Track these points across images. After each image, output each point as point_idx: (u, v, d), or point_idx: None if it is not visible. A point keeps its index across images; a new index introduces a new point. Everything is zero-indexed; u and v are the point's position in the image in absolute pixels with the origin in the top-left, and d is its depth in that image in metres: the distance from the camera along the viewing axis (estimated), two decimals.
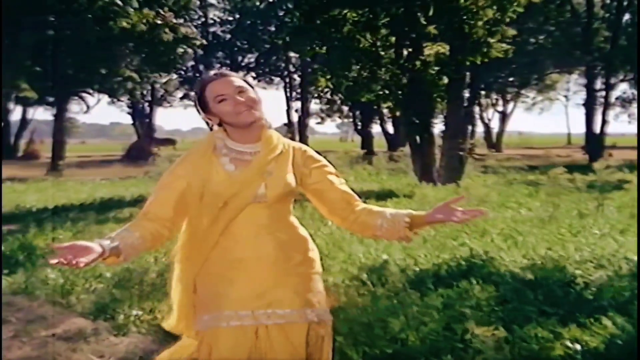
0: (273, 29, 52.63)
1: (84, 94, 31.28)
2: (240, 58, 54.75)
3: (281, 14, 50.46)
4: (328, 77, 20.35)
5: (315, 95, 52.77)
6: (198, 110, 3.33)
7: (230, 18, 52.90)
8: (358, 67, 19.75)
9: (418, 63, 18.90)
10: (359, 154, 30.60)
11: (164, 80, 34.71)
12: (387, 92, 19.82)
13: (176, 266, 3.39)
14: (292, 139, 3.76)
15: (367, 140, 53.40)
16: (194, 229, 3.24)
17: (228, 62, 52.97)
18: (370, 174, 22.97)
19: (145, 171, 25.09)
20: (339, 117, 65.54)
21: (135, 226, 3.14)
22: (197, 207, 3.19)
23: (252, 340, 3.12)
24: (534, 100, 69.97)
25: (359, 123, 58.15)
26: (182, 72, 49.55)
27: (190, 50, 18.16)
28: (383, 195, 15.87)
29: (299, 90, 57.52)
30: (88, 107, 32.10)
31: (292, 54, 55.51)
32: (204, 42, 27.63)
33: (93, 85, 26.74)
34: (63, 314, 6.69)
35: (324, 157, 3.44)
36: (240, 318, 3.11)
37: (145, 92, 38.46)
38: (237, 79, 3.24)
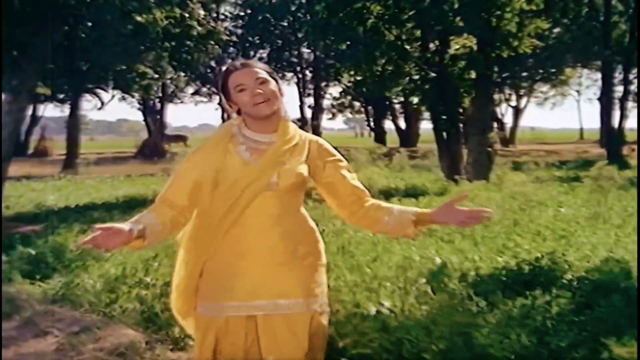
0: (285, 24, 52.23)
1: (98, 90, 30.84)
2: (252, 53, 54.25)
3: (293, 8, 50.11)
4: (352, 72, 19.87)
5: (332, 91, 52.55)
6: (220, 98, 3.62)
7: (242, 13, 52.41)
8: (383, 61, 19.27)
9: (445, 57, 18.42)
10: (378, 149, 29.99)
11: (182, 76, 34.19)
12: (413, 87, 19.34)
13: (182, 251, 3.45)
14: None
15: (380, 136, 52.89)
16: (207, 216, 3.29)
17: (240, 57, 52.49)
18: (393, 170, 22.43)
19: (162, 168, 24.63)
20: (350, 113, 65.25)
21: (155, 212, 3.23)
22: (211, 195, 3.25)
23: (254, 330, 3.23)
24: (546, 95, 69.41)
25: (371, 119, 57.77)
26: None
27: (217, 47, 17.72)
28: (413, 194, 15.37)
29: (310, 86, 56.94)
30: (102, 103, 31.73)
31: (305, 50, 55.12)
32: (234, 38, 27.07)
33: (108, 81, 26.20)
34: (109, 325, 6.22)
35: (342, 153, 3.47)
36: (244, 309, 3.21)
37: (156, 88, 37.95)
38: (260, 70, 3.29)
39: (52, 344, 5.88)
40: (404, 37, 19.07)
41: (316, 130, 48.55)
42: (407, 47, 19.06)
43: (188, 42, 15.25)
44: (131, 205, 14.83)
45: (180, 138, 53.22)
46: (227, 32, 18.07)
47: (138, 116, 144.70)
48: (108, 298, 6.90)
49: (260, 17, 51.76)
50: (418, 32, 19.15)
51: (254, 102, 3.22)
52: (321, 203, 11.75)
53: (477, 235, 9.85)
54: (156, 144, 43.83)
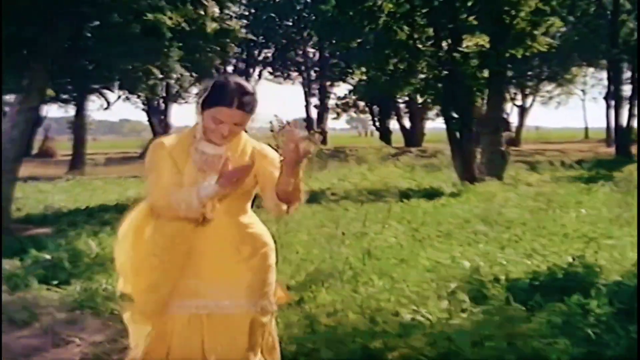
0: (290, 23, 51.96)
1: (104, 90, 30.62)
2: (256, 52, 54.00)
3: (298, 8, 49.86)
4: (362, 71, 19.63)
5: (335, 90, 52.28)
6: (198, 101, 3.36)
7: (247, 12, 52.12)
8: (395, 60, 19.02)
9: (458, 55, 18.17)
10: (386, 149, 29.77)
11: (187, 75, 33.83)
12: (425, 86, 19.10)
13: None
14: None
15: (385, 136, 52.63)
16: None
17: (245, 56, 52.33)
18: (404, 170, 22.23)
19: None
20: (355, 112, 64.99)
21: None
22: None
23: (201, 328, 3.32)
24: (551, 94, 69.07)
25: (376, 118, 57.52)
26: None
27: (233, 46, 17.38)
28: (430, 194, 15.14)
29: (314, 86, 56.70)
30: (109, 103, 31.54)
31: (310, 49, 54.86)
32: (252, 36, 26.78)
33: (114, 81, 25.94)
34: None
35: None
36: (187, 308, 3.33)
37: (161, 88, 37.70)
38: (243, 114, 3.30)
39: (75, 353, 5.65)
40: (415, 35, 18.81)
41: (322, 131, 48.27)
42: (419, 45, 18.78)
43: (201, 41, 15.00)
44: None
45: None
46: (243, 31, 17.66)
47: (140, 116, 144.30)
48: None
49: (264, 17, 51.48)
50: (430, 31, 18.87)
51: (216, 135, 3.31)
52: (337, 203, 11.60)
53: (502, 238, 9.64)
54: None
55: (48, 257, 9.10)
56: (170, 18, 12.42)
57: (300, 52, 55.31)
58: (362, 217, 11.16)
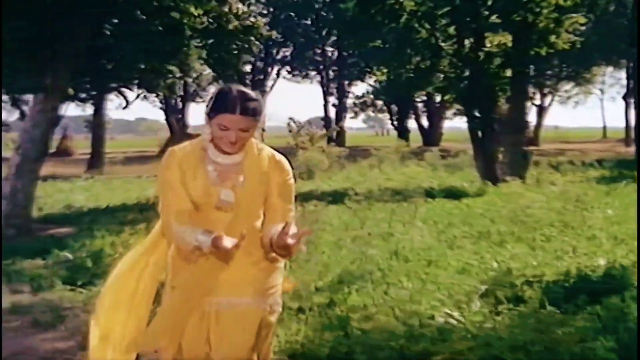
0: (309, 22, 51.81)
1: (123, 89, 30.58)
2: (275, 51, 53.88)
3: (317, 6, 49.67)
4: (384, 70, 19.45)
5: (353, 89, 52.01)
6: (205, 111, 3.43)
7: (265, 11, 51.99)
8: (418, 59, 18.85)
9: (481, 54, 17.98)
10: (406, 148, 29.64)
11: (205, 74, 33.80)
12: (447, 85, 18.92)
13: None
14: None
15: (403, 135, 52.39)
16: None
17: (263, 55, 52.14)
18: (426, 170, 22.05)
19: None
20: (373, 112, 64.79)
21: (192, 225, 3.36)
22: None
23: (212, 323, 3.41)
24: (569, 93, 68.56)
25: (394, 117, 57.32)
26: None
27: (257, 43, 17.20)
28: (453, 194, 14.94)
29: (332, 85, 56.50)
30: (127, 102, 31.48)
31: (328, 48, 54.67)
32: (275, 33, 26.58)
33: (133, 80, 25.82)
34: None
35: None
36: (202, 305, 3.42)
37: (180, 87, 37.65)
38: (247, 119, 3.32)
39: None
40: (437, 34, 18.62)
41: (341, 129, 48.06)
42: (441, 44, 18.60)
43: (225, 39, 14.82)
44: None
45: None
46: (268, 28, 17.48)
47: (156, 115, 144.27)
48: None
49: (283, 15, 51.33)
50: (452, 29, 18.68)
51: (224, 142, 3.34)
52: (361, 203, 11.45)
53: (530, 239, 9.48)
54: (179, 144, 43.50)
55: (71, 257, 9.00)
56: (196, 16, 12.29)
57: (319, 51, 55.08)
58: (386, 217, 11.03)
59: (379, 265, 7.55)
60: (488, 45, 18.36)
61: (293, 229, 3.25)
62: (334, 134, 35.85)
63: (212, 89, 48.14)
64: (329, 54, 55.96)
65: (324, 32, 51.20)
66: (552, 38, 17.67)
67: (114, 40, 12.92)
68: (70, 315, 6.52)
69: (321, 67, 55.83)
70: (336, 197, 14.34)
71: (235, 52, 16.27)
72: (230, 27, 14.64)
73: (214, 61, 19.15)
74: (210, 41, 15.07)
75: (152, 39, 12.38)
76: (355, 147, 35.21)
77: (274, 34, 24.05)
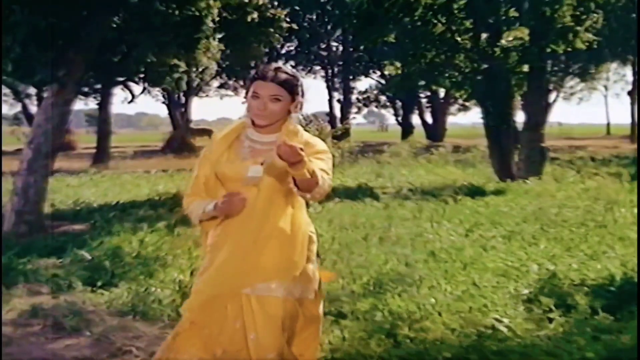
0: (314, 17, 51.35)
1: (129, 83, 30.22)
2: (279, 46, 53.49)
3: (323, 0, 49.24)
4: (398, 65, 19.08)
5: (356, 85, 51.57)
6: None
7: (270, 6, 51.56)
8: (433, 53, 18.49)
9: (497, 49, 17.62)
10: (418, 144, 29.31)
11: (210, 68, 33.39)
12: (462, 80, 18.56)
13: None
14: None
15: (407, 131, 52.08)
16: None
17: (267, 50, 51.76)
18: (437, 166, 21.71)
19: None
20: (376, 107, 64.44)
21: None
22: (217, 186, 3.63)
23: (237, 308, 3.50)
24: (573, 90, 68.20)
25: (398, 113, 57.00)
26: (221, 61, 47.85)
27: (277, 36, 16.79)
28: (473, 192, 14.58)
29: (336, 80, 56.07)
30: (133, 96, 31.09)
31: (334, 43, 54.26)
32: (294, 26, 26.17)
33: (139, 74, 25.47)
34: None
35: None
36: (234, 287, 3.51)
37: (187, 80, 37.27)
38: (280, 86, 3.50)
39: None
40: (454, 27, 18.25)
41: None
42: (457, 38, 18.24)
43: (246, 31, 14.45)
44: (178, 203, 14.10)
45: (205, 132, 52.46)
46: (287, 20, 17.06)
47: (157, 109, 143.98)
48: None
49: (287, 10, 50.85)
50: (468, 23, 18.31)
51: (254, 113, 3.52)
52: (380, 200, 11.12)
53: (563, 239, 9.16)
54: (183, 138, 43.25)
55: (88, 256, 8.65)
56: (213, 7, 11.95)
57: (324, 46, 54.63)
58: (410, 215, 10.73)
59: (415, 267, 7.20)
60: (505, 40, 17.97)
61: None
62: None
63: (216, 83, 47.85)
64: (334, 49, 55.48)
65: (329, 27, 50.73)
66: (571, 36, 17.29)
67: (129, 32, 12.53)
68: (95, 318, 6.15)
69: (326, 62, 55.32)
70: (353, 194, 14.04)
71: (255, 44, 15.83)
72: (249, 19, 14.25)
73: (233, 54, 18.76)
74: (229, 33, 14.67)
75: (167, 31, 12.00)
76: (367, 143, 34.88)
77: (294, 25, 23.62)
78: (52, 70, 11.05)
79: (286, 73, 3.55)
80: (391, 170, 18.93)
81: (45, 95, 11.78)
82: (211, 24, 12.00)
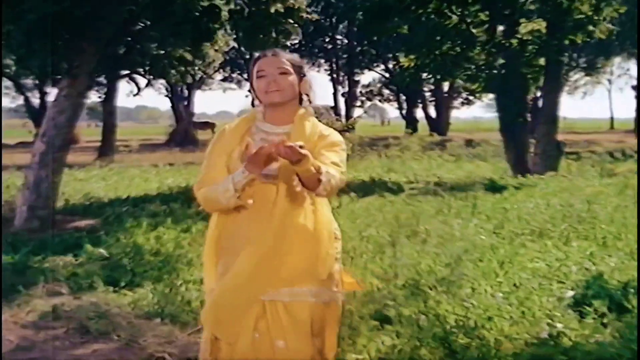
0: (319, 9, 50.95)
1: (135, 76, 29.96)
2: (282, 39, 53.15)
3: None
4: (412, 57, 18.74)
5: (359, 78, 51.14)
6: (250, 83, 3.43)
7: None
8: (449, 45, 18.17)
9: (514, 42, 17.30)
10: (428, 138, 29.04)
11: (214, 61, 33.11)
12: (477, 73, 18.26)
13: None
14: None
15: (411, 125, 51.75)
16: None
17: (286, 42, 51.44)
18: (448, 160, 21.37)
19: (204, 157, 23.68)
20: (380, 101, 64.15)
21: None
22: None
23: (260, 313, 3.27)
24: (576, 84, 67.96)
25: (402, 107, 56.70)
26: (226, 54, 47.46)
27: (296, 26, 16.45)
28: (494, 186, 14.24)
29: (341, 74, 55.72)
30: (139, 89, 30.92)
31: (338, 36, 53.90)
32: (316, 17, 25.86)
33: (145, 67, 25.23)
34: None
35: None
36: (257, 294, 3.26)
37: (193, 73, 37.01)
38: (285, 61, 3.34)
39: None
40: (468, 20, 17.93)
41: (350, 117, 47.42)
42: (473, 30, 17.92)
43: (265, 22, 14.09)
44: (190, 197, 13.78)
45: (207, 125, 52.26)
46: (307, 10, 16.69)
47: (156, 103, 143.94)
48: None
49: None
50: (484, 15, 17.99)
51: (266, 90, 3.30)
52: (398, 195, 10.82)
53: (598, 237, 8.84)
54: (187, 131, 43.00)
55: (106, 254, 8.34)
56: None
57: (328, 39, 54.24)
58: (433, 210, 10.42)
59: (451, 267, 6.85)
60: (522, 32, 17.66)
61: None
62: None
63: (219, 77, 47.38)
64: (339, 42, 55.07)
65: (334, 20, 50.36)
66: (590, 26, 16.97)
67: (145, 20, 12.19)
68: (121, 321, 5.83)
69: (331, 55, 54.94)
70: (369, 189, 13.74)
71: (274, 35, 15.48)
72: (273, 9, 13.90)
73: (251, 46, 18.38)
74: (248, 24, 14.31)
75: (187, 20, 11.67)
76: (372, 137, 34.59)
77: (315, 16, 23.29)
78: (64, 61, 10.74)
79: (285, 51, 3.44)
80: (406, 165, 18.64)
81: (57, 87, 11.43)
82: (226, 14, 11.69)
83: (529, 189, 14.07)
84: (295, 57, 3.44)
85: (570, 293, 6.18)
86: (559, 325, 5.24)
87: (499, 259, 7.58)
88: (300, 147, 2.93)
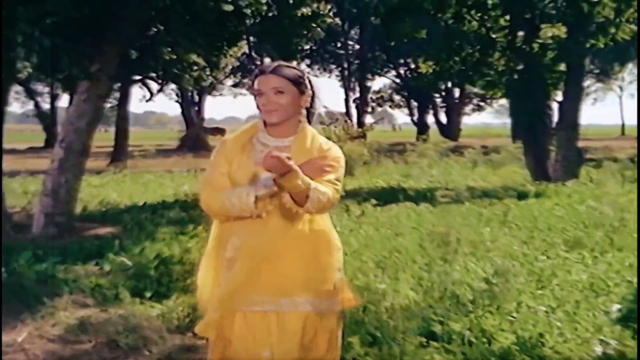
0: (331, 14, 50.79)
1: (148, 81, 29.78)
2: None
3: None
4: (430, 63, 18.52)
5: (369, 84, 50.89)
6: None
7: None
8: (468, 50, 17.93)
9: (535, 46, 17.05)
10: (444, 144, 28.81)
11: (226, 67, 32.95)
12: (498, 78, 18.02)
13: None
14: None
15: (422, 130, 51.51)
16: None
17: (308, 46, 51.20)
18: (465, 167, 21.13)
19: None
20: (390, 107, 64.07)
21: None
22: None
23: (255, 326, 3.23)
24: (587, 90, 67.67)
25: (413, 113, 56.51)
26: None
27: (319, 31, 16.25)
28: (518, 194, 13.96)
29: (352, 79, 55.46)
30: (152, 94, 30.70)
31: (350, 42, 53.66)
32: (338, 20, 25.68)
33: (157, 71, 24.93)
34: None
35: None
36: (248, 306, 3.24)
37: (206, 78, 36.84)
38: (282, 79, 3.29)
39: None
40: (488, 25, 17.69)
41: (362, 124, 47.20)
42: (492, 35, 17.68)
43: (289, 26, 13.88)
44: None
45: (218, 130, 52.28)
46: (331, 15, 16.46)
47: (164, 108, 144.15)
48: None
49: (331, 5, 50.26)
50: (503, 20, 17.75)
51: (263, 110, 3.31)
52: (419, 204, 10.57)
53: (631, 246, 8.58)
54: (198, 137, 42.91)
55: (129, 263, 8.08)
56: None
57: (340, 45, 54.00)
58: (461, 219, 10.21)
59: (490, 279, 6.59)
60: (542, 37, 17.41)
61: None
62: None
63: (229, 82, 47.29)
64: (350, 48, 54.83)
65: (346, 25, 50.11)
66: (612, 29, 16.70)
67: (170, 23, 11.96)
68: (152, 336, 5.57)
69: (343, 61, 54.68)
70: (389, 195, 13.53)
71: (297, 39, 15.27)
72: (299, 13, 13.69)
73: (274, 50, 18.21)
74: (272, 28, 14.10)
75: (213, 23, 11.46)
76: (384, 143, 34.37)
77: (338, 20, 23.14)
78: (85, 64, 10.51)
79: (287, 67, 3.38)
80: (425, 171, 18.39)
81: (76, 91, 11.20)
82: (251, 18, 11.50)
83: (555, 196, 13.82)
84: (294, 72, 3.37)
85: (617, 307, 5.95)
86: (613, 342, 5.00)
87: (536, 270, 7.34)
88: (288, 158, 2.93)
